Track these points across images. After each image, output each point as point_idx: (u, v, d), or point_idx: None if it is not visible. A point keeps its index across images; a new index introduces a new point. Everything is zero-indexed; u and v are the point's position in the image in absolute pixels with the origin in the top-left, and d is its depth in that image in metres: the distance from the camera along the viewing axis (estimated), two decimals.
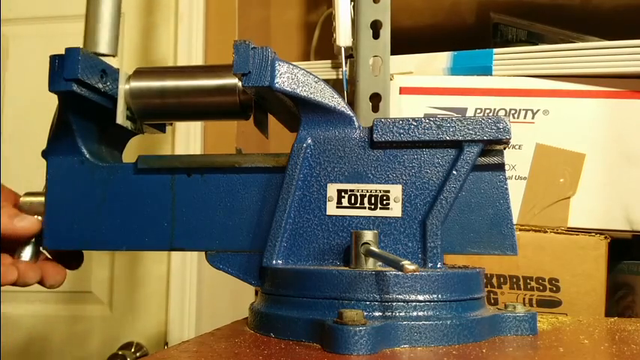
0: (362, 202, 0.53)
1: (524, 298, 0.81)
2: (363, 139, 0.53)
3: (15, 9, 1.22)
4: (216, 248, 0.57)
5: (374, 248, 0.47)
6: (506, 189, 0.52)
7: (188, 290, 1.12)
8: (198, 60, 1.16)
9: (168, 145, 1.17)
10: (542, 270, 0.81)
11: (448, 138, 0.51)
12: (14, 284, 0.58)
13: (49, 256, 0.62)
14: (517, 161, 0.85)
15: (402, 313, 0.46)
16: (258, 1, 1.25)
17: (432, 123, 0.52)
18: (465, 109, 0.86)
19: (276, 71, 0.52)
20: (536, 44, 0.94)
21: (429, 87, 0.87)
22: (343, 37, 0.90)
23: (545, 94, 0.85)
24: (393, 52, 0.85)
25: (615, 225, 0.82)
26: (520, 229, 0.83)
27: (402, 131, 0.52)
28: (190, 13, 1.17)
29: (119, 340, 1.15)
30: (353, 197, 0.53)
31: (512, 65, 0.86)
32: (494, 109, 0.86)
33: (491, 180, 0.53)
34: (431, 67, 0.88)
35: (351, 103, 0.85)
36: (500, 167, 0.53)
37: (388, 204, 0.53)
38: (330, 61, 0.95)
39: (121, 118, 0.59)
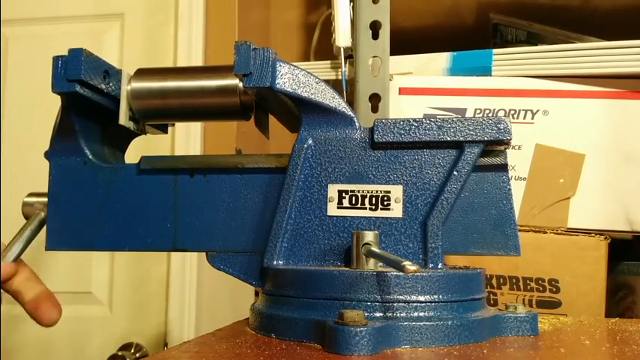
0: (363, 203, 0.53)
1: (523, 299, 0.81)
2: (364, 140, 0.53)
3: (15, 9, 1.22)
4: (219, 249, 0.56)
5: (375, 249, 0.47)
6: (509, 189, 0.52)
7: (188, 291, 1.12)
8: (198, 61, 1.16)
9: (167, 145, 1.17)
10: (542, 271, 0.81)
11: (449, 138, 0.51)
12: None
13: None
14: (517, 162, 0.85)
15: (403, 314, 0.46)
16: (258, 2, 1.25)
17: (432, 124, 0.52)
18: (465, 110, 0.86)
19: (277, 72, 0.52)
20: (536, 45, 0.94)
21: (429, 87, 0.87)
22: (343, 37, 0.90)
23: (544, 95, 0.85)
24: (393, 52, 0.86)
25: (615, 225, 0.82)
26: (520, 230, 0.82)
27: (402, 132, 0.52)
28: (190, 14, 1.17)
29: (119, 340, 1.15)
30: (354, 198, 0.53)
31: (511, 66, 0.86)
32: (494, 110, 0.86)
33: (494, 180, 0.53)
34: (430, 67, 0.88)
35: (351, 104, 0.85)
36: (503, 168, 0.53)
37: (389, 204, 0.53)
38: (329, 62, 0.95)
39: (123, 118, 0.59)
